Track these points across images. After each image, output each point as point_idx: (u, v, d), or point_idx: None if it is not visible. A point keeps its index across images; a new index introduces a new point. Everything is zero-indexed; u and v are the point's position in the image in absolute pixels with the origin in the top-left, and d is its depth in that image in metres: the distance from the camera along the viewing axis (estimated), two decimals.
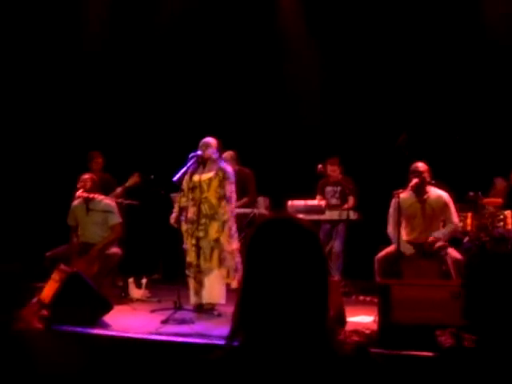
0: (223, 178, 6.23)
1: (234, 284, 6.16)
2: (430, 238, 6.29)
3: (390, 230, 6.47)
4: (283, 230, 1.60)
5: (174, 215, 6.47)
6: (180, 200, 6.36)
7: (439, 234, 6.33)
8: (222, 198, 6.21)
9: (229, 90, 9.16)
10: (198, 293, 6.20)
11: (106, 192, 7.40)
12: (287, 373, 1.50)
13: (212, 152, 6.32)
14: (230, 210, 6.26)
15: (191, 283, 6.26)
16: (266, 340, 1.53)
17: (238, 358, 1.55)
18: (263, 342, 1.53)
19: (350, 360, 1.53)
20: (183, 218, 6.36)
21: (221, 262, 6.18)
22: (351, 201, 7.82)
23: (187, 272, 6.30)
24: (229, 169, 6.37)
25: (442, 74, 8.27)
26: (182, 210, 6.36)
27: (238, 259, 6.13)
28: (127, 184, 7.38)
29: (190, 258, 6.28)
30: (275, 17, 9.24)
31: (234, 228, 6.27)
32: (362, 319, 5.74)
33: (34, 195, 8.70)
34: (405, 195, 6.43)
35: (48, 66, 9.07)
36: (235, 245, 6.23)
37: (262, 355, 1.52)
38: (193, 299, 6.24)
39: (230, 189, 6.26)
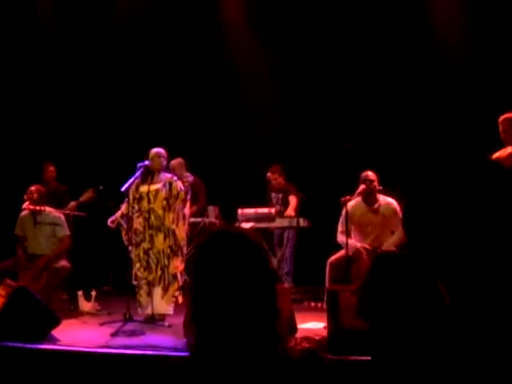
0: (175, 196, 6.22)
1: (180, 299, 6.18)
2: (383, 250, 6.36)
3: (340, 238, 6.56)
4: (231, 244, 1.64)
5: (113, 218, 6.37)
6: (124, 207, 6.32)
7: (389, 244, 6.41)
8: (170, 211, 6.20)
9: (178, 98, 9.12)
10: (146, 304, 6.18)
11: (59, 202, 7.31)
12: (239, 380, 1.53)
13: (161, 163, 6.30)
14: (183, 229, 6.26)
15: (138, 294, 6.24)
16: (217, 349, 1.56)
17: (191, 366, 1.57)
18: (215, 351, 1.56)
19: (301, 364, 1.57)
20: (124, 224, 6.31)
21: (164, 278, 6.18)
22: (293, 200, 7.72)
23: (134, 283, 6.26)
24: (180, 184, 6.34)
25: (389, 78, 8.32)
26: (123, 216, 6.31)
27: (183, 278, 6.15)
28: (81, 199, 7.26)
29: (136, 269, 6.26)
30: (219, 12, 9.25)
31: (183, 249, 6.26)
32: (313, 325, 5.78)
33: None
34: (354, 204, 6.51)
35: None
36: (181, 265, 6.24)
37: (214, 364, 1.55)
38: (141, 310, 6.21)
39: (180, 207, 6.27)
